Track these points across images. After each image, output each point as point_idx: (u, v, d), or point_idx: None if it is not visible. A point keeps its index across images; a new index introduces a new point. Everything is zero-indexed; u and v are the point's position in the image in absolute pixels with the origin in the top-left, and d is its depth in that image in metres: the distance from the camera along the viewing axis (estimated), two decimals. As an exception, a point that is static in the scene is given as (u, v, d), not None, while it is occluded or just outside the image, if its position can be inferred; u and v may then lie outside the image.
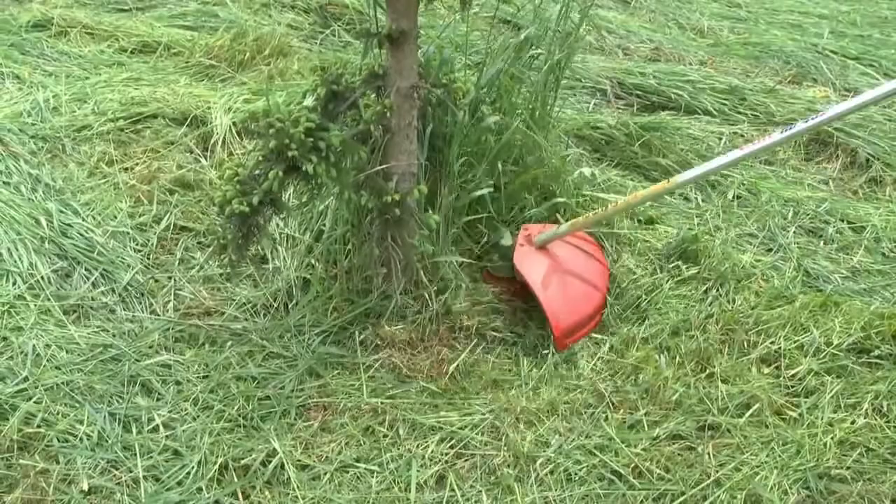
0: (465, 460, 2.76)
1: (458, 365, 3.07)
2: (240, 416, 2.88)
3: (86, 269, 3.45)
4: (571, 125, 4.46)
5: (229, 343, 3.17)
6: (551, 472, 2.72)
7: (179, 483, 2.65)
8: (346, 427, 2.86)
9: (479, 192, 3.37)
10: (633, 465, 2.75)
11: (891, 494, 2.64)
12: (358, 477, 2.70)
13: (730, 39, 6.08)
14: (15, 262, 3.39)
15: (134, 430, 2.82)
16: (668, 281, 3.46)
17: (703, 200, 4.11)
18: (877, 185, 4.34)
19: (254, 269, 3.48)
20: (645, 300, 3.38)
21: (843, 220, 4.00)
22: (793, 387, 3.05)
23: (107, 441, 2.76)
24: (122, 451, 2.74)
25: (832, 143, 4.60)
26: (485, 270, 3.46)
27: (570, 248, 3.46)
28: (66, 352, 3.08)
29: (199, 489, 2.63)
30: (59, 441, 2.74)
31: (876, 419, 2.92)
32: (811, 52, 5.81)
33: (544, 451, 2.78)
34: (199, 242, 3.68)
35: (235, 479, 2.67)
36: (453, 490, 2.66)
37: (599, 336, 3.25)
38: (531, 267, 3.33)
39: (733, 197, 4.13)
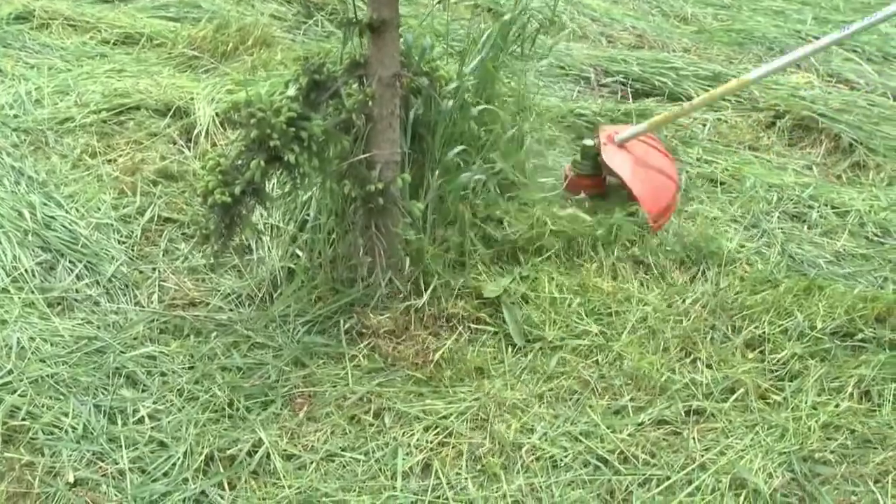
0: (451, 448, 2.76)
1: (442, 353, 3.07)
2: (225, 406, 2.87)
3: (70, 262, 3.44)
4: (556, 112, 4.46)
5: (214, 334, 3.17)
6: (537, 459, 2.73)
7: (165, 474, 2.65)
8: (332, 416, 2.86)
9: (468, 176, 3.36)
10: (618, 450, 2.75)
11: (874, 476, 2.66)
12: (344, 465, 2.71)
13: (713, 26, 6.08)
14: (-2, 255, 3.39)
15: (119, 422, 2.82)
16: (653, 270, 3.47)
17: (686, 186, 4.11)
18: (860, 170, 4.35)
19: (238, 259, 3.47)
20: (629, 289, 3.39)
21: (827, 205, 4.01)
22: (777, 371, 3.06)
23: (92, 433, 2.76)
24: (107, 443, 2.73)
25: (815, 129, 4.61)
26: (565, 169, 3.91)
27: (643, 145, 3.96)
28: (51, 344, 3.08)
29: (185, 480, 2.63)
30: (44, 433, 2.74)
31: (859, 402, 2.93)
32: (794, 38, 5.83)
33: (529, 439, 2.78)
34: (183, 233, 3.68)
35: (221, 470, 2.67)
36: (439, 478, 2.66)
37: (583, 322, 3.25)
38: (619, 162, 3.80)
39: (717, 182, 4.14)
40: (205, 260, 3.47)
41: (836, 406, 2.91)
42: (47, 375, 2.94)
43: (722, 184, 4.14)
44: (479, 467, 2.71)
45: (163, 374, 3.00)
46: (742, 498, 2.59)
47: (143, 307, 3.30)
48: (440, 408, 2.89)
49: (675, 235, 3.62)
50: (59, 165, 3.98)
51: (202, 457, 2.69)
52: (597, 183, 3.92)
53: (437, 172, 3.24)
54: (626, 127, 4.02)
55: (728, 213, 3.92)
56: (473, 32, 3.68)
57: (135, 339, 3.14)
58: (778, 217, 3.91)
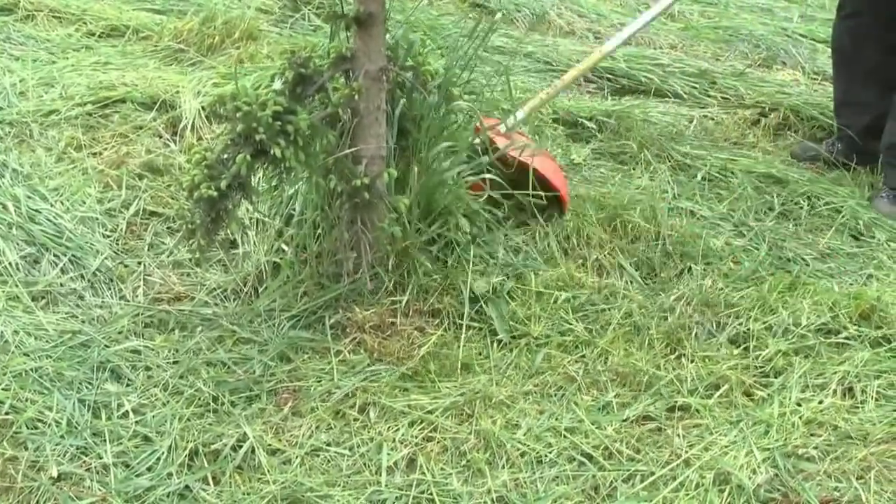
0: (436, 443, 2.76)
1: (428, 348, 3.07)
2: (210, 401, 2.87)
3: (54, 255, 3.43)
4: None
5: (199, 328, 3.16)
6: (522, 455, 2.73)
7: (149, 469, 2.64)
8: (317, 411, 2.85)
9: (450, 171, 3.36)
10: (603, 446, 2.76)
11: (856, 472, 2.67)
12: (328, 460, 2.70)
13: (700, 23, 6.09)
14: (-18, 248, 3.37)
15: (103, 417, 2.80)
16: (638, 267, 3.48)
17: (673, 183, 4.12)
18: (847, 168, 4.36)
19: (223, 253, 3.46)
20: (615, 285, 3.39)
21: (813, 203, 4.02)
22: (761, 367, 3.07)
23: (76, 427, 2.75)
24: (91, 438, 2.72)
25: (801, 126, 4.64)
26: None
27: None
28: (35, 338, 3.06)
29: (170, 475, 2.62)
30: (27, 428, 2.72)
31: (843, 399, 2.95)
32: (781, 35, 5.84)
33: (514, 434, 2.78)
34: (168, 227, 3.66)
35: (206, 465, 2.66)
36: (423, 473, 2.66)
37: (569, 318, 3.25)
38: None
39: (704, 178, 4.14)
40: (190, 254, 3.45)
41: (820, 402, 2.92)
42: (31, 369, 2.92)
43: (709, 180, 4.15)
44: (463, 462, 2.71)
45: (147, 369, 2.99)
46: (725, 493, 2.60)
47: (128, 301, 3.29)
48: (425, 403, 2.89)
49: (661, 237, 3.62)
50: (44, 158, 3.96)
51: (186, 451, 2.68)
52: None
53: (422, 167, 3.23)
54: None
55: (715, 210, 3.92)
56: (461, 28, 3.68)
57: (119, 333, 3.13)
58: (764, 213, 3.93)
